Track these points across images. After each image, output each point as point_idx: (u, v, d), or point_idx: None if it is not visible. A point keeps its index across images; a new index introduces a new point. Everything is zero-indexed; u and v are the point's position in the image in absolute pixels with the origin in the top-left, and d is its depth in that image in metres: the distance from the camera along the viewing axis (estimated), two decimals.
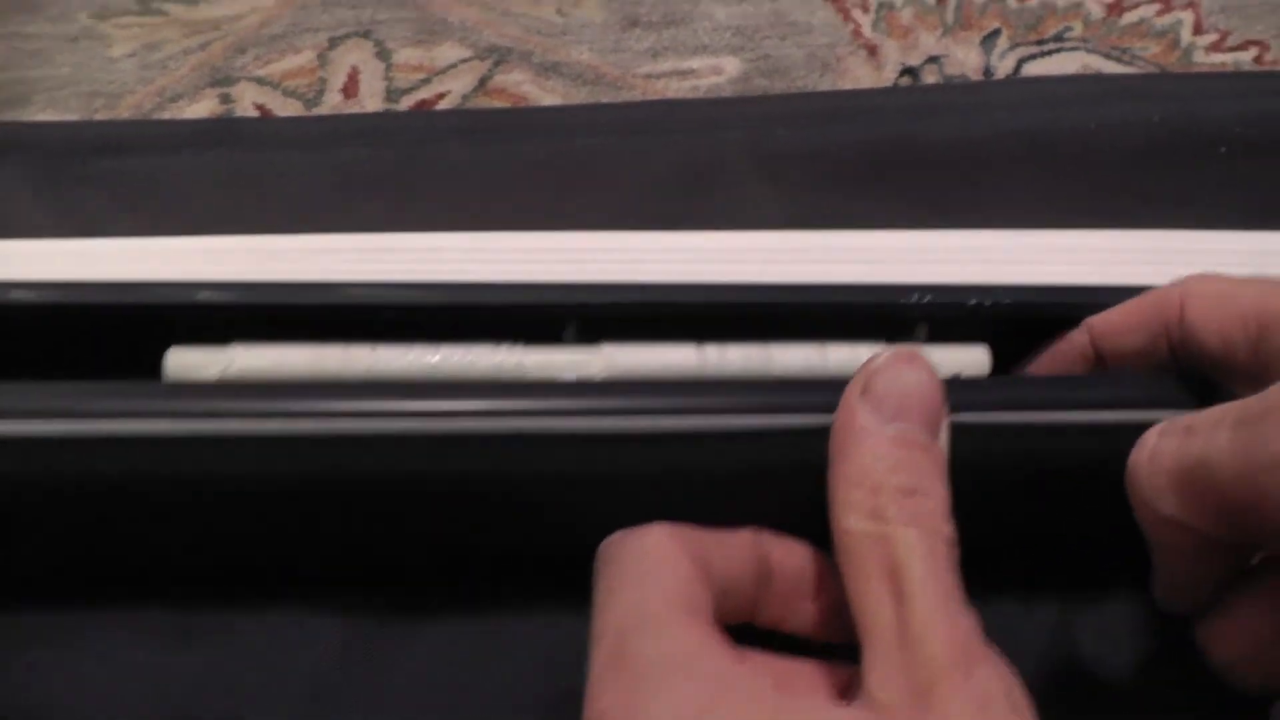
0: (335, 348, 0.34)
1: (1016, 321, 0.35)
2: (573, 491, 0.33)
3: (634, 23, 0.66)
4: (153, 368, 0.35)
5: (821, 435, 0.30)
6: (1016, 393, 0.33)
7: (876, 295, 0.36)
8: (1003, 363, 0.36)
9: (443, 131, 0.51)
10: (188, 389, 0.32)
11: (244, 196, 0.50)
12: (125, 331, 0.34)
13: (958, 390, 0.31)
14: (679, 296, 0.35)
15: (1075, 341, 0.35)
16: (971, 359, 0.36)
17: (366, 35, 0.66)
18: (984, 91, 0.52)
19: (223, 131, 0.52)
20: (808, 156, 0.49)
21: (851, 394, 0.30)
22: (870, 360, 0.30)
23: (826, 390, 0.31)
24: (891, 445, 0.28)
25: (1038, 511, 0.36)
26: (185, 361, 0.34)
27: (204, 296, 0.34)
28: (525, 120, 0.52)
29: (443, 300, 0.35)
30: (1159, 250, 0.41)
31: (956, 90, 0.56)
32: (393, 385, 0.32)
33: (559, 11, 0.67)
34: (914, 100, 0.51)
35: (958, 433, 0.30)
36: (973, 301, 0.36)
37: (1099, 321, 0.34)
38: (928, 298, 0.36)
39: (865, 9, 0.66)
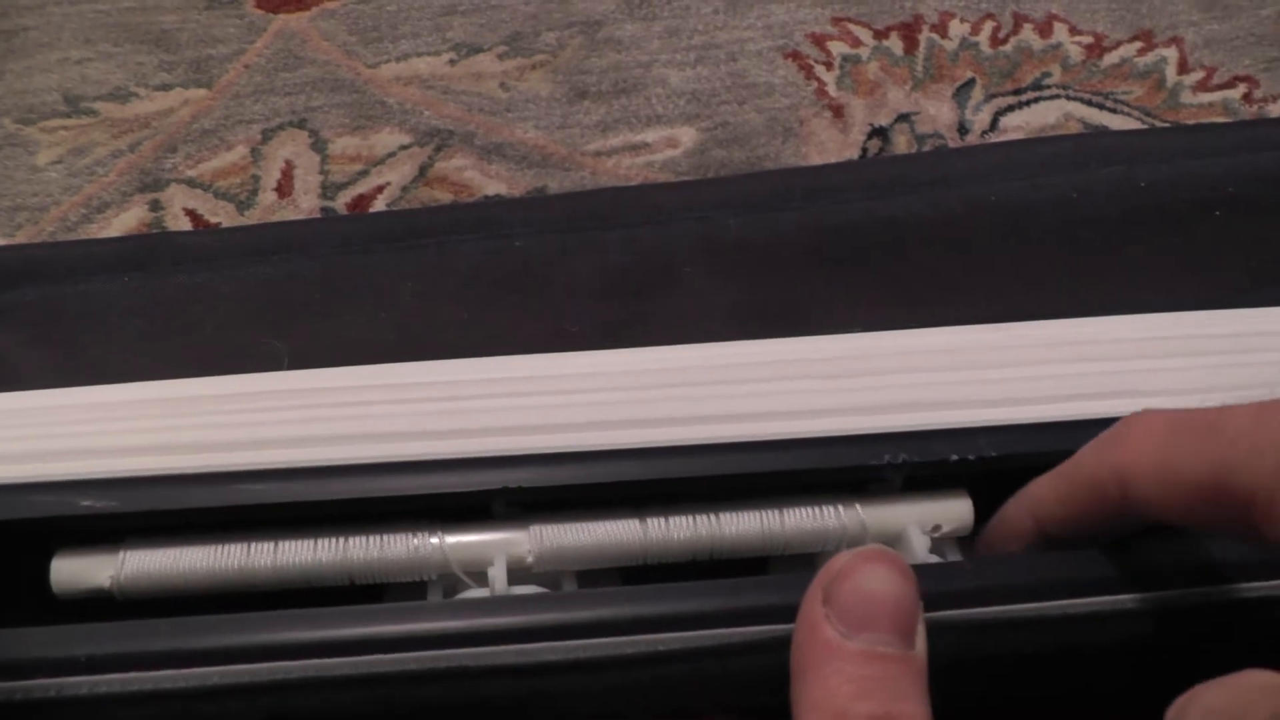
0: (235, 545, 0.31)
1: (1000, 471, 0.31)
2: (515, 701, 0.29)
3: (583, 94, 0.62)
4: (40, 571, 0.32)
5: (783, 645, 0.26)
6: (999, 578, 0.29)
7: (845, 456, 0.32)
8: (987, 506, 0.33)
9: (371, 238, 0.47)
10: (69, 635, 0.28)
11: (162, 327, 0.46)
12: (6, 538, 0.31)
13: (934, 579, 0.27)
14: (618, 473, 0.31)
15: (1015, 518, 0.31)
16: (952, 513, 0.32)
17: (301, 124, 0.62)
18: (953, 161, 0.48)
19: (141, 253, 0.49)
20: (763, 247, 0.45)
21: (812, 603, 0.26)
22: (833, 561, 0.27)
23: (788, 589, 0.27)
24: (859, 663, 0.25)
25: (1041, 694, 0.32)
26: (72, 570, 0.31)
27: (87, 505, 0.31)
28: (459, 220, 0.48)
29: (349, 494, 0.31)
30: (1161, 339, 0.37)
31: (922, 161, 0.52)
32: (317, 615, 0.28)
33: (502, 86, 0.63)
34: (877, 174, 0.47)
35: (939, 630, 0.26)
36: (954, 458, 0.32)
37: (1035, 497, 0.31)
38: (901, 457, 0.32)
39: (829, 65, 0.63)
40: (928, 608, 0.27)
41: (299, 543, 0.31)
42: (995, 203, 0.45)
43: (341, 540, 0.31)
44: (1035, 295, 0.43)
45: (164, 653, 0.27)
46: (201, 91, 0.65)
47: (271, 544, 0.31)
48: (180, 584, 0.31)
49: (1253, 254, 0.44)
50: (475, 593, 0.31)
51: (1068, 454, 0.30)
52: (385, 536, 0.31)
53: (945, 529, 0.33)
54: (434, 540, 0.31)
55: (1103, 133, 0.54)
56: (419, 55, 0.66)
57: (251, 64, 0.66)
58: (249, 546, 0.31)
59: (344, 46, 0.67)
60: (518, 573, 0.32)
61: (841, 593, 0.26)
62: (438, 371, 0.37)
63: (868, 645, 0.25)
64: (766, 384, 0.35)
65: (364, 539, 0.31)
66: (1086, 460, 0.28)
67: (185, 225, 0.57)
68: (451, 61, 0.65)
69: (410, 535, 0.31)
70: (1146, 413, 0.27)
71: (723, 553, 0.32)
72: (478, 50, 0.66)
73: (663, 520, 0.31)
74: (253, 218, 0.57)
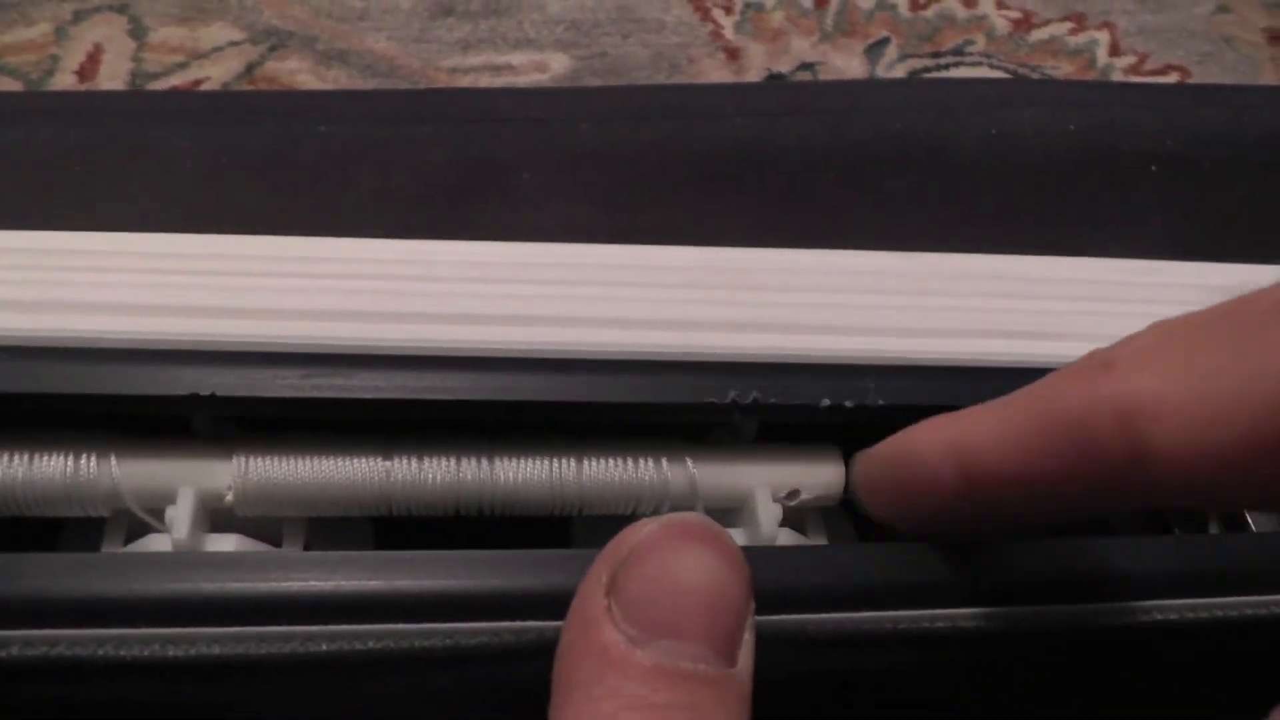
0: None
1: (887, 426, 0.23)
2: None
3: (448, 10, 0.55)
4: None
5: (545, 650, 0.18)
6: (868, 572, 0.21)
7: (677, 389, 0.24)
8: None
9: (155, 112, 0.39)
10: None
11: None
12: None
13: (776, 568, 0.20)
14: (359, 386, 0.23)
15: (930, 458, 0.21)
16: (817, 475, 0.24)
17: (122, 10, 0.54)
18: (858, 92, 0.41)
19: None
20: (620, 159, 0.37)
21: (591, 591, 0.18)
22: (626, 533, 0.18)
23: (567, 567, 0.20)
24: (649, 683, 0.16)
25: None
26: None
27: None
28: (261, 104, 0.40)
29: None
30: (1088, 282, 0.30)
31: (821, 90, 0.45)
32: None
33: None
34: (766, 100, 0.40)
35: (776, 641, 0.19)
36: (826, 403, 0.24)
37: (969, 437, 0.20)
38: (753, 396, 0.24)
39: (729, 10, 0.56)
40: (763, 608, 0.19)
41: None
42: (902, 131, 0.37)
43: None
44: (943, 234, 0.36)
45: None
46: None
47: None
48: None
49: (1186, 214, 0.38)
50: (152, 541, 0.23)
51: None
52: (41, 453, 0.23)
53: (805, 495, 0.24)
54: (98, 463, 0.23)
55: (1030, 79, 0.48)
56: None
57: None
58: None
59: None
60: (220, 514, 0.23)
61: (633, 580, 0.17)
62: (175, 244, 0.29)
63: (665, 658, 0.17)
64: (585, 287, 0.27)
65: (9, 454, 0.23)
66: (1067, 392, 0.19)
67: None
68: None
69: (72, 454, 0.23)
70: (1161, 322, 0.19)
71: (496, 507, 0.24)
72: None
73: (414, 458, 0.23)
74: None
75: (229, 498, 0.23)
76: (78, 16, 0.53)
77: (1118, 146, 0.38)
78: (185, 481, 0.23)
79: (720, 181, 0.37)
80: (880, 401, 0.24)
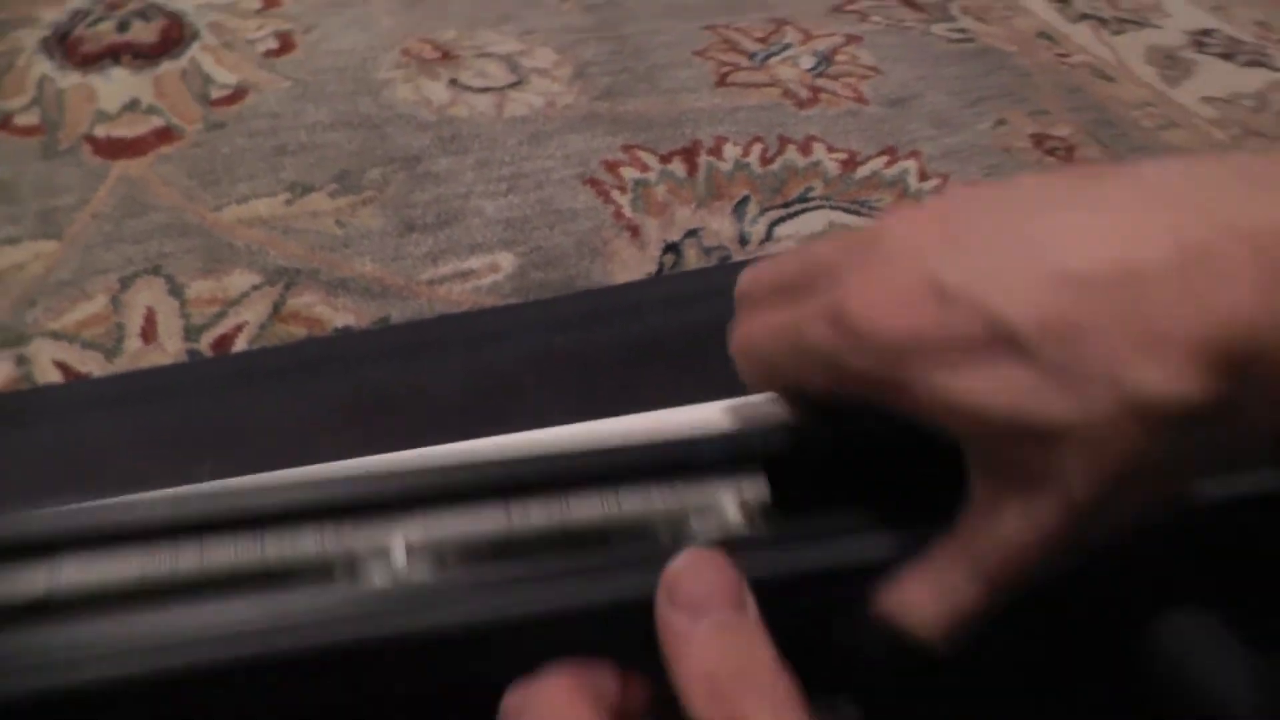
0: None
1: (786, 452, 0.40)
2: (446, 667, 0.35)
3: (410, 226, 0.69)
4: None
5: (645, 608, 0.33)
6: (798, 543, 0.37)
7: (666, 449, 0.39)
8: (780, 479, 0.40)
9: (226, 378, 0.54)
10: None
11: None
12: None
13: (744, 553, 0.35)
14: (483, 473, 0.38)
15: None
16: (755, 488, 0.40)
17: (156, 271, 0.67)
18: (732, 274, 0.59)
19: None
20: (583, 358, 0.54)
21: (663, 604, 0.33)
22: (671, 566, 0.33)
23: (646, 567, 0.34)
24: (710, 637, 0.32)
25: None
26: None
27: None
28: (311, 355, 0.55)
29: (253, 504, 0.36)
30: None
31: (709, 275, 0.62)
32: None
33: (338, 223, 0.70)
34: (671, 289, 0.57)
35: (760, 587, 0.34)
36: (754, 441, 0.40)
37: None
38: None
39: (623, 189, 0.72)
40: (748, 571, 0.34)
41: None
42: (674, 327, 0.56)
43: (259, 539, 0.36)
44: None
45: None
46: (52, 244, 0.69)
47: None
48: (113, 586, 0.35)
49: None
50: (379, 573, 0.36)
51: None
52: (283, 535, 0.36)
53: (749, 498, 0.40)
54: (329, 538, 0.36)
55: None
56: (257, 196, 0.72)
57: (99, 213, 0.71)
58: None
59: (185, 191, 0.72)
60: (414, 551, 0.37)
61: (682, 590, 0.33)
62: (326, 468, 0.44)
63: (713, 623, 0.32)
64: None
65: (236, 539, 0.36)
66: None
67: (56, 377, 0.61)
68: (288, 201, 0.71)
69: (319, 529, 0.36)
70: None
71: (574, 531, 0.38)
72: (311, 189, 0.72)
73: (523, 507, 0.38)
74: (120, 364, 0.61)
75: (420, 545, 0.36)
76: (124, 283, 0.67)
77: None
78: (399, 537, 0.37)
79: (653, 361, 0.54)
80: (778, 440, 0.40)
